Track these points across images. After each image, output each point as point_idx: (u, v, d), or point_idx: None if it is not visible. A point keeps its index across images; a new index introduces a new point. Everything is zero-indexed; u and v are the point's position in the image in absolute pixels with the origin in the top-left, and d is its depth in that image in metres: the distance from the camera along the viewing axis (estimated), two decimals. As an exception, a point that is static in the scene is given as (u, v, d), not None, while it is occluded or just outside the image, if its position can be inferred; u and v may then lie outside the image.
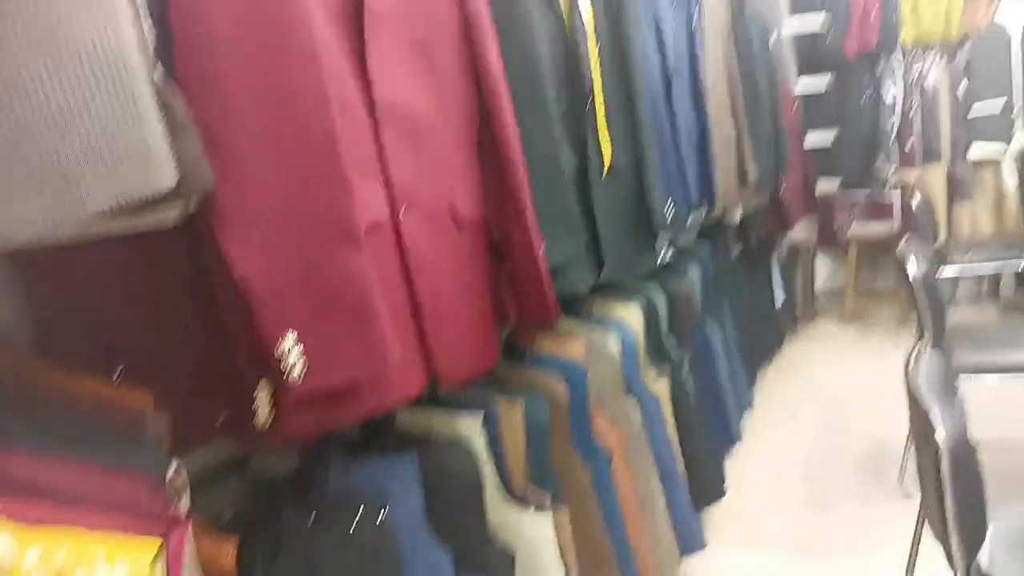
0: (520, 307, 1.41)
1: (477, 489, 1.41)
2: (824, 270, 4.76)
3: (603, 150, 1.64)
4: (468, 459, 1.39)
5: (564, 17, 1.61)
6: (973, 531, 1.19)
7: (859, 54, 4.08)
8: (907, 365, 1.43)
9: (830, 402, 3.34)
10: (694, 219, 2.46)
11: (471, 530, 1.40)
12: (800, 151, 4.12)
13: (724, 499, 2.47)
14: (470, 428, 1.43)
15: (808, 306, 4.52)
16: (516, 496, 1.52)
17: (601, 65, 1.65)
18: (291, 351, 0.86)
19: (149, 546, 0.65)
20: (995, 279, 4.30)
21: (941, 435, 1.16)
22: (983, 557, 1.30)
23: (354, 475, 1.20)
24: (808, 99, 4.25)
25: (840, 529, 2.39)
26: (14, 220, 0.53)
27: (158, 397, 0.86)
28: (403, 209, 1.09)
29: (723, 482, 2.52)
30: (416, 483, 1.27)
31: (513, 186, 1.28)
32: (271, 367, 0.89)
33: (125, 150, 0.58)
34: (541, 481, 1.61)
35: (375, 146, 1.04)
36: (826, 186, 4.37)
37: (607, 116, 1.65)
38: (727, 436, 2.80)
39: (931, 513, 1.36)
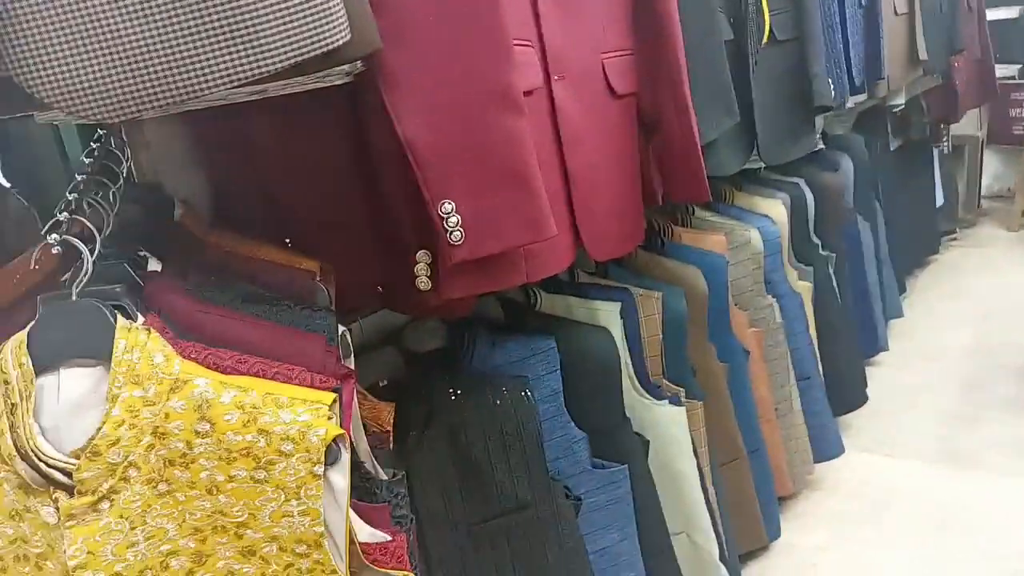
0: (669, 186, 1.37)
1: (614, 375, 1.43)
2: (992, 169, 4.30)
3: (763, 19, 1.52)
4: (607, 346, 1.40)
5: None
6: None
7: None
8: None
9: (986, 314, 3.09)
10: (854, 102, 2.26)
11: (606, 414, 1.43)
12: (978, 28, 3.64)
13: (867, 406, 2.38)
14: (609, 316, 1.43)
15: (971, 209, 4.13)
16: (651, 387, 1.53)
17: None
18: (451, 216, 0.88)
19: (326, 396, 0.70)
20: None
21: None
22: None
23: (498, 352, 1.24)
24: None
25: (989, 440, 2.25)
26: (210, 74, 0.56)
27: (325, 266, 0.91)
28: (557, 77, 1.07)
29: (865, 389, 2.42)
30: (556, 364, 1.30)
31: (669, 58, 1.22)
32: (433, 233, 0.92)
33: (305, 5, 0.59)
34: (676, 374, 1.61)
35: (531, 11, 1.02)
36: (1005, 72, 3.87)
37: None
38: (872, 343, 2.67)
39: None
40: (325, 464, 0.68)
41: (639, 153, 1.31)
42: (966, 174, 4.05)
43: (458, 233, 0.88)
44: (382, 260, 1.05)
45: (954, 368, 2.69)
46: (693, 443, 1.58)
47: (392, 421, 1.00)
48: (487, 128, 0.88)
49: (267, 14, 0.57)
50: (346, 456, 0.71)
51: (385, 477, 0.90)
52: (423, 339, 1.33)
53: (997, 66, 3.89)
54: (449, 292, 0.98)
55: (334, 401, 0.70)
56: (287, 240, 0.95)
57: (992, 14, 3.80)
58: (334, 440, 0.69)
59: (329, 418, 0.69)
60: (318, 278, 0.91)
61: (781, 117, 1.69)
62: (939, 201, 3.64)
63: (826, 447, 2.16)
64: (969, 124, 3.92)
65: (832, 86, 1.77)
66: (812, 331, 2.12)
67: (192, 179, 1.03)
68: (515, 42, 0.91)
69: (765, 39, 1.55)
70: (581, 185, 1.13)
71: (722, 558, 1.59)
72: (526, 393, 1.19)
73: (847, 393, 2.38)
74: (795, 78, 1.70)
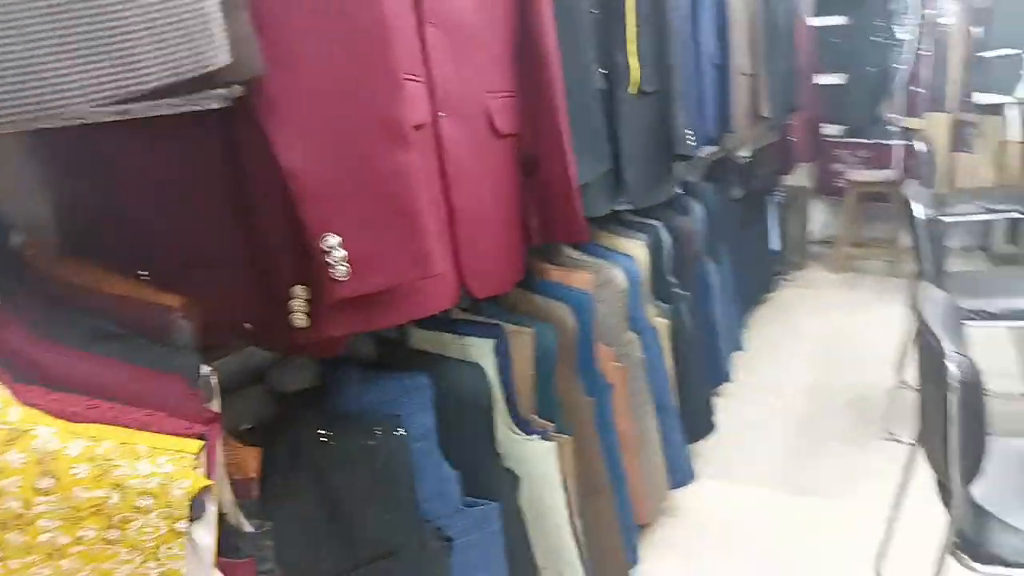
0: (548, 226, 1.40)
1: (487, 412, 1.42)
2: (819, 218, 4.76)
3: (632, 70, 1.60)
4: (480, 382, 1.40)
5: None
6: (973, 463, 1.22)
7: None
8: (914, 304, 1.45)
9: (817, 348, 3.39)
10: (707, 152, 2.43)
11: (479, 451, 1.42)
12: (809, 93, 4.06)
13: (714, 435, 2.52)
14: (482, 352, 1.43)
15: (800, 253, 4.54)
16: (522, 423, 1.54)
17: None
18: (335, 250, 0.84)
19: (191, 444, 0.64)
20: (986, 230, 4.33)
21: (952, 368, 1.18)
22: (975, 489, 1.33)
23: (370, 391, 1.20)
24: (822, 39, 4.16)
25: (825, 468, 2.45)
26: (68, 90, 0.50)
27: (186, 300, 0.84)
28: (444, 114, 1.06)
29: (713, 418, 2.57)
30: (429, 402, 1.27)
31: (550, 101, 1.25)
32: (313, 268, 0.87)
33: (183, 22, 0.54)
34: (545, 409, 1.63)
35: (419, 44, 1.01)
36: (831, 131, 4.33)
37: (638, 37, 1.61)
38: (719, 375, 2.84)
39: (930, 446, 1.40)
40: (189, 519, 0.62)
41: (521, 192, 1.33)
42: (797, 222, 4.44)
43: (343, 268, 0.85)
44: (252, 295, 0.99)
45: (792, 402, 2.92)
46: (562, 477, 1.60)
47: (257, 467, 0.93)
48: (376, 161, 0.85)
49: (139, 29, 0.52)
50: (212, 509, 0.65)
51: (251, 528, 0.84)
52: (290, 378, 1.27)
53: (826, 123, 4.35)
54: (329, 330, 0.94)
55: (200, 449, 0.65)
56: (144, 273, 0.87)
57: (820, 79, 4.27)
58: (199, 492, 0.63)
59: (195, 468, 0.63)
60: (178, 314, 0.84)
61: (646, 163, 1.78)
62: (775, 245, 3.97)
63: (680, 475, 2.26)
64: (799, 176, 4.33)
65: (691, 140, 1.89)
66: (668, 365, 2.22)
67: (38, 203, 0.92)
68: (403, 73, 0.89)
69: (635, 88, 1.63)
70: (464, 223, 1.13)
71: (588, 591, 1.61)
72: (398, 432, 1.16)
73: (698, 422, 2.51)
74: (659, 128, 1.80)
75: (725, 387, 2.92)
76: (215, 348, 0.98)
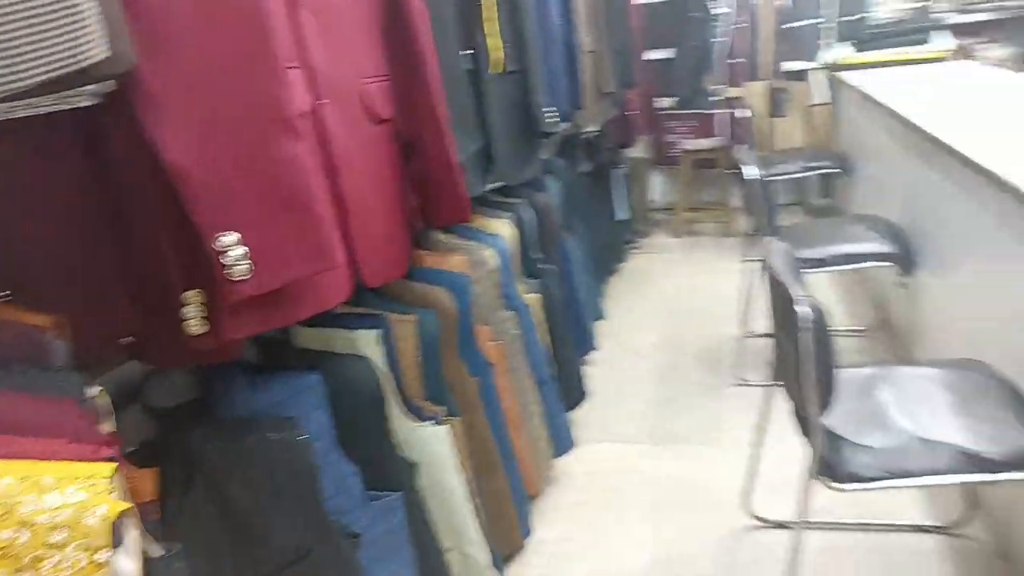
0: (431, 210, 1.39)
1: (379, 404, 1.41)
2: (658, 187, 5.05)
3: (493, 49, 1.61)
4: (369, 374, 1.38)
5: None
6: (826, 394, 1.36)
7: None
8: (763, 256, 1.58)
9: (669, 308, 3.61)
10: (561, 129, 2.51)
11: (375, 443, 1.41)
12: (642, 69, 4.29)
13: (587, 402, 2.63)
14: (369, 344, 1.41)
15: (645, 221, 4.79)
16: (414, 409, 1.54)
17: None
18: (233, 248, 0.79)
19: (103, 467, 0.59)
20: (801, 187, 4.78)
21: (804, 311, 1.31)
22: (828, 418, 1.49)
23: (260, 396, 1.15)
24: (649, 14, 4.42)
25: (689, 418, 2.63)
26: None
27: (57, 319, 0.77)
28: (323, 100, 1.03)
29: (585, 386, 2.68)
30: (323, 399, 1.25)
31: (425, 83, 1.24)
32: (210, 269, 0.82)
33: (60, 14, 0.49)
34: (435, 393, 1.63)
35: (294, 29, 0.97)
36: (662, 103, 4.62)
37: (497, 18, 1.63)
38: (586, 344, 2.96)
39: (788, 383, 1.54)
40: (111, 547, 0.58)
41: (402, 178, 1.32)
42: (639, 192, 4.69)
43: (244, 266, 0.80)
44: (130, 307, 0.92)
45: (653, 361, 3.10)
46: (457, 454, 1.61)
47: (154, 489, 0.88)
48: (266, 152, 0.81)
49: (18, 24, 0.47)
50: (135, 534, 0.61)
51: (160, 552, 0.79)
52: (170, 393, 1.19)
53: (658, 96, 4.61)
54: (233, 332, 0.89)
55: (114, 472, 0.60)
56: (6, 293, 0.78)
57: (651, 55, 4.52)
58: (119, 517, 0.59)
59: (110, 493, 0.59)
60: (52, 334, 0.77)
61: (514, 141, 1.81)
62: (623, 216, 4.17)
63: (562, 444, 2.35)
64: (639, 149, 4.57)
65: (553, 117, 1.95)
66: (543, 339, 2.29)
67: None
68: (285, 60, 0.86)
69: (497, 69, 1.66)
70: (354, 211, 1.10)
71: (493, 564, 1.65)
72: (296, 433, 1.13)
73: (572, 391, 2.61)
74: (523, 106, 1.84)
75: (592, 355, 3.05)
76: (92, 367, 0.90)
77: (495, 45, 1.62)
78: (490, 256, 1.93)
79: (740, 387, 2.79)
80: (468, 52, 1.56)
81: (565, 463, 2.41)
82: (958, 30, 4.14)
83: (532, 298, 2.22)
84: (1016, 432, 1.36)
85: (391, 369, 1.47)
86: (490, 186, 1.82)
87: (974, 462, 1.33)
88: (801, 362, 1.36)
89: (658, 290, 3.86)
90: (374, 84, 1.22)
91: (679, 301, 3.69)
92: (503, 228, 2.09)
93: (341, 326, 1.43)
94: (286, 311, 0.94)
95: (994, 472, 1.32)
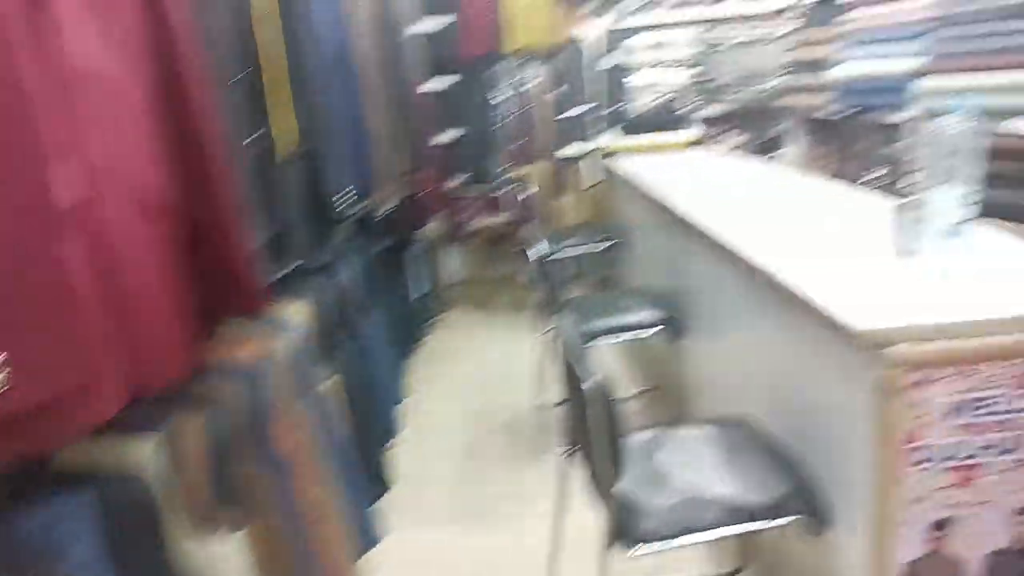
0: (221, 301, 1.31)
1: (156, 521, 1.28)
2: (453, 263, 5.18)
3: (283, 132, 1.59)
4: (142, 493, 1.25)
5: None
6: (616, 461, 1.45)
7: (474, 58, 4.56)
8: (552, 334, 1.68)
9: (471, 383, 3.68)
10: (358, 211, 2.51)
11: (155, 565, 1.27)
12: (433, 149, 4.44)
13: (393, 489, 2.58)
14: (144, 453, 1.29)
15: (442, 297, 4.88)
16: (202, 518, 1.41)
17: (284, 45, 1.58)
18: None
19: None
20: (584, 260, 5.15)
21: (590, 385, 1.39)
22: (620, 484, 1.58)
23: (18, 526, 1.00)
24: (436, 99, 4.63)
25: (495, 494, 2.66)
26: None
27: None
28: (97, 191, 0.94)
29: (390, 472, 2.63)
30: (92, 525, 1.11)
31: (209, 168, 1.17)
32: None
33: None
34: (226, 496, 1.52)
35: (64, 115, 0.88)
36: (452, 183, 4.81)
37: (286, 101, 1.60)
38: (390, 426, 2.92)
39: (581, 454, 1.62)
40: None
41: (188, 270, 1.23)
42: (436, 268, 4.78)
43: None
44: None
45: (457, 437, 3.11)
46: (250, 564, 1.50)
47: None
48: (31, 253, 0.72)
49: None
50: None
51: None
52: None
53: (449, 176, 4.79)
54: None
55: None
56: None
57: (440, 137, 4.71)
58: None
59: None
60: None
61: (308, 224, 1.78)
62: (420, 293, 4.22)
63: (367, 537, 2.27)
64: (436, 225, 4.69)
65: (348, 199, 1.95)
66: (343, 426, 2.22)
67: None
68: (52, 151, 0.78)
69: (288, 150, 1.63)
70: (133, 311, 1.01)
71: None
72: (63, 568, 0.99)
73: (377, 479, 2.55)
74: (316, 188, 1.82)
75: (397, 437, 3.00)
76: None
77: (286, 128, 1.60)
78: (285, 343, 1.86)
79: (543, 457, 2.88)
80: (257, 136, 1.52)
81: (372, 557, 2.32)
82: (704, 121, 4.76)
83: (332, 384, 2.16)
84: (775, 481, 1.53)
85: (175, 476, 1.35)
86: (285, 270, 1.76)
87: (743, 513, 1.47)
88: (591, 434, 1.45)
89: (459, 365, 3.92)
90: (155, 173, 1.15)
91: (480, 375, 3.77)
92: (299, 312, 2.03)
93: (116, 433, 1.29)
94: (49, 431, 0.83)
95: (759, 520, 1.47)
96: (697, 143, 4.56)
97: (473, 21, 4.53)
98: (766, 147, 4.80)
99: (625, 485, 1.56)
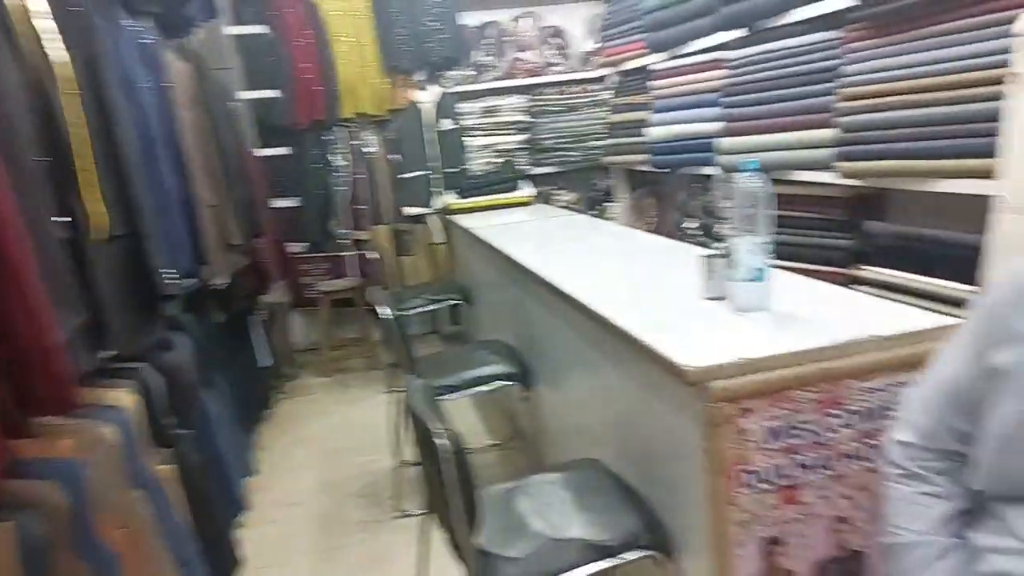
0: (27, 398, 1.18)
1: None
2: (300, 329, 5.02)
3: (95, 213, 1.49)
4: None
5: (38, 69, 1.42)
6: (472, 517, 1.46)
7: (307, 125, 4.54)
8: (398, 392, 1.67)
9: (324, 449, 3.55)
10: (186, 287, 2.39)
11: None
12: (270, 217, 4.34)
13: (242, 569, 2.42)
14: (-56, 570, 1.14)
15: (290, 364, 4.70)
16: (15, 637, 1.26)
17: (87, 122, 1.50)
18: None
19: None
20: (433, 317, 5.16)
21: (441, 443, 1.40)
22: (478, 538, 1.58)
23: None
24: (271, 167, 4.55)
25: (354, 562, 2.57)
26: None
27: None
28: None
29: (238, 552, 2.47)
30: None
31: (6, 256, 1.08)
32: None
33: None
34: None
35: None
36: (294, 249, 4.70)
37: (97, 181, 1.51)
38: (236, 505, 2.75)
39: (438, 511, 1.61)
40: None
41: None
42: (281, 336, 4.61)
43: None
44: None
45: (311, 508, 2.98)
46: None
47: None
48: None
49: None
50: None
51: None
52: None
53: (289, 242, 4.69)
54: None
55: None
56: None
57: (277, 203, 4.62)
58: None
59: None
60: None
61: (127, 308, 1.67)
62: (263, 362, 4.04)
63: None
64: (278, 292, 4.54)
65: (173, 278, 1.85)
66: (181, 513, 2.07)
67: None
68: None
69: (102, 233, 1.53)
70: None
71: None
72: None
73: (223, 564, 2.38)
74: (135, 270, 1.71)
75: (245, 515, 2.83)
76: None
77: (96, 210, 1.51)
78: (109, 433, 1.72)
79: (401, 519, 2.82)
80: (65, 219, 1.42)
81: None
82: (537, 179, 4.99)
83: (165, 470, 2.01)
84: (626, 518, 1.59)
85: (-20, 595, 1.20)
86: (104, 354, 1.64)
87: (598, 551, 1.52)
88: (446, 491, 1.44)
89: (310, 432, 3.77)
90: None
91: (333, 440, 3.65)
92: (123, 398, 1.88)
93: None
94: None
95: (614, 556, 1.52)
96: (531, 201, 4.76)
97: (302, 90, 4.51)
98: (595, 201, 5.11)
99: (484, 538, 1.56)
